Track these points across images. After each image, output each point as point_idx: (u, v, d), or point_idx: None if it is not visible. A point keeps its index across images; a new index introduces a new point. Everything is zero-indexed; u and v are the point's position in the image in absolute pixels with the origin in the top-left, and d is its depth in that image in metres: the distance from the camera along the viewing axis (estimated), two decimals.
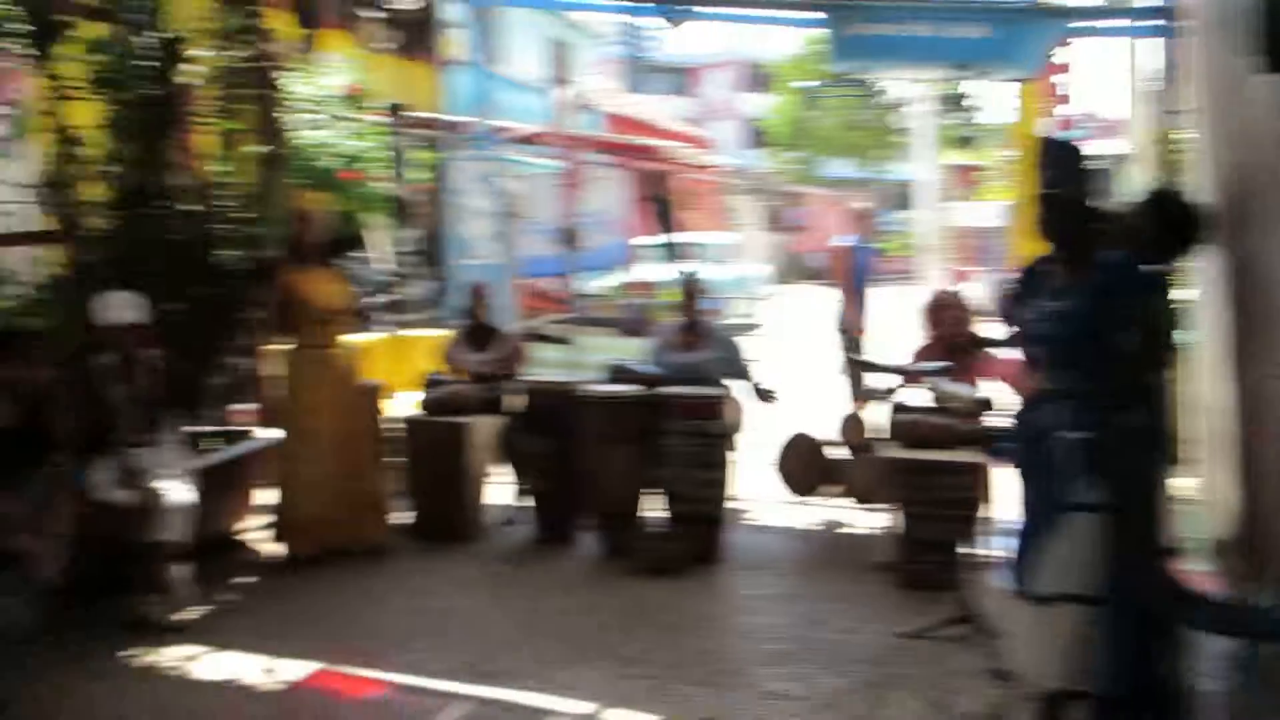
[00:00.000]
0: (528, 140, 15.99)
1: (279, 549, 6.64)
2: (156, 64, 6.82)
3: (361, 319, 6.95)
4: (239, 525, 7.04)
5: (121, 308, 5.80)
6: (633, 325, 13.27)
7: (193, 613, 5.61)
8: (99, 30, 6.87)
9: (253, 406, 7.68)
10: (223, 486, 6.61)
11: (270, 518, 6.70)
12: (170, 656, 5.19)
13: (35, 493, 5.23)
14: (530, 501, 7.15)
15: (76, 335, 6.31)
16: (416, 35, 16.47)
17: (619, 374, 7.16)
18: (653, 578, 6.19)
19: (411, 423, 7.24)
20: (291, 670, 4.99)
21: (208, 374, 7.20)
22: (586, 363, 9.93)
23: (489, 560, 6.68)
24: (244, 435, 7.31)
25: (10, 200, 6.79)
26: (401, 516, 7.16)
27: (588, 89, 23.89)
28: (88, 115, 6.79)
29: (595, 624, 5.52)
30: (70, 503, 5.36)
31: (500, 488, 7.43)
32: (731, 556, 6.59)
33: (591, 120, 22.89)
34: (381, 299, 12.36)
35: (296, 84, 8.43)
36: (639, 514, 6.69)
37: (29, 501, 5.20)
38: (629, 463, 6.60)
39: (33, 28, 6.36)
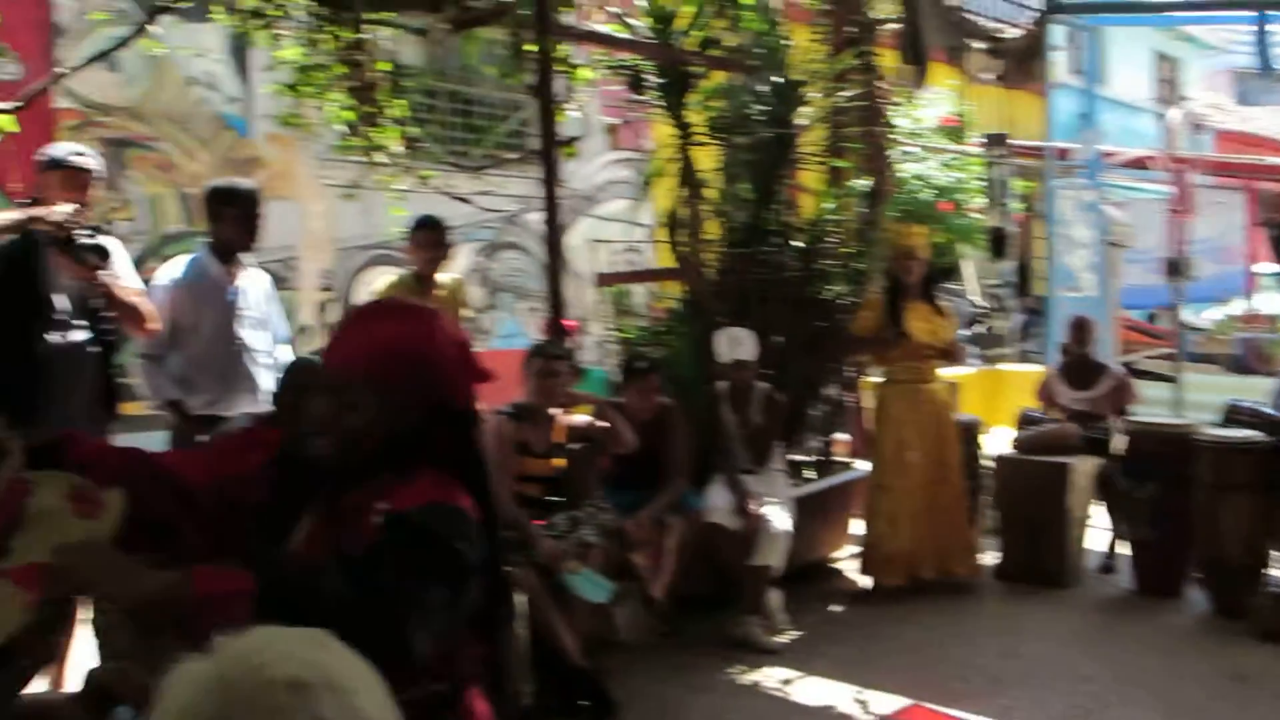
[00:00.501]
0: (1134, 164, 15.21)
1: (867, 580, 6.77)
2: (773, 108, 7.20)
3: (957, 353, 6.92)
4: (832, 553, 7.26)
5: (739, 342, 6.16)
6: (1246, 362, 12.24)
7: (787, 636, 5.85)
8: (720, 79, 7.40)
9: (848, 438, 7.91)
10: (818, 515, 6.86)
11: (860, 548, 6.85)
12: (768, 677, 5.41)
13: (654, 513, 5.68)
14: (1130, 550, 6.80)
15: (693, 365, 6.83)
16: (1020, 62, 16.18)
17: (1236, 415, 6.63)
18: (1272, 643, 5.66)
19: (1005, 461, 7.13)
20: (883, 703, 5.06)
21: (809, 405, 7.49)
22: (1193, 402, 9.30)
23: (1084, 609, 6.43)
24: (841, 466, 7.54)
25: (638, 240, 7.46)
26: (990, 556, 7.07)
27: (1198, 105, 22.33)
28: (707, 159, 7.33)
29: (1202, 692, 5.14)
30: (684, 524, 5.77)
31: (1098, 533, 7.14)
32: None
33: (1202, 139, 21.37)
34: (973, 332, 12.26)
35: (898, 118, 8.60)
36: (1258, 571, 6.14)
37: (648, 521, 5.65)
38: (1247, 514, 6.09)
39: (667, 80, 6.94)
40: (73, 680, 4.51)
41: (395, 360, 2.02)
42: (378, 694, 1.06)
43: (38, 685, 4.02)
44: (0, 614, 1.49)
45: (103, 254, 4.54)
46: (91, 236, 4.52)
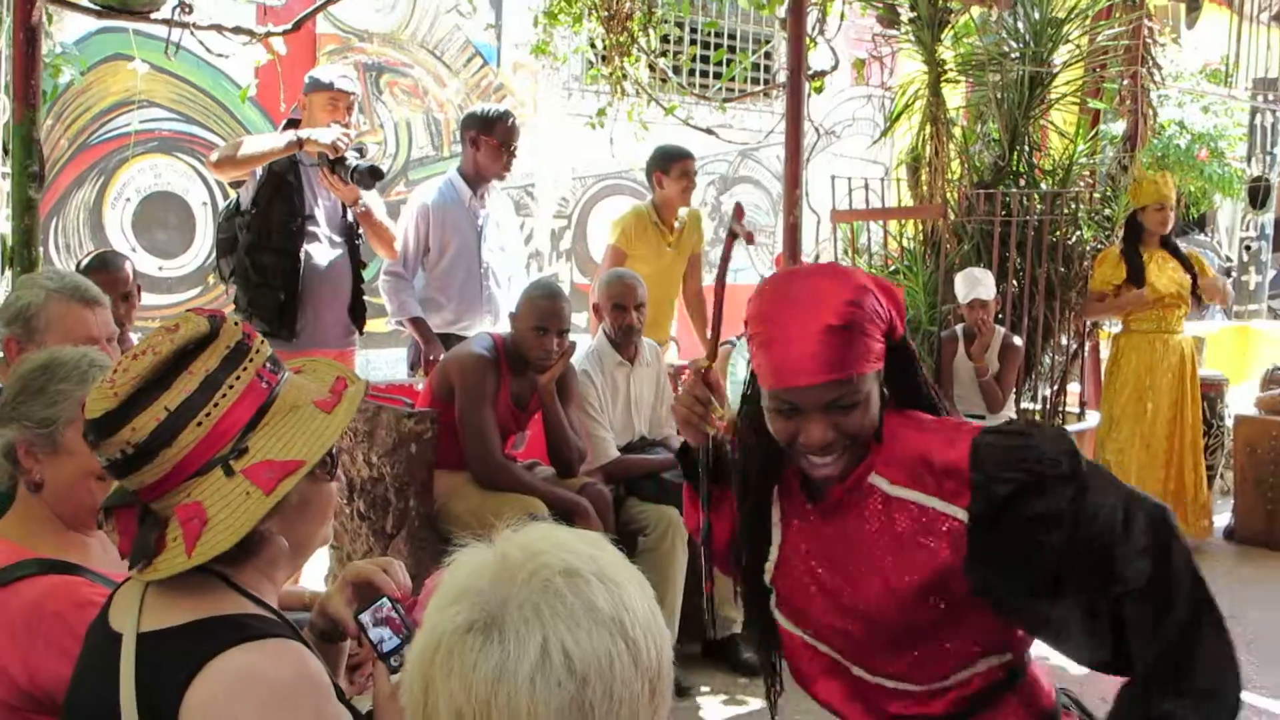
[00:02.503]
0: None
1: None
2: (1029, 45, 6.99)
3: (1217, 293, 6.62)
4: None
5: (978, 282, 6.04)
6: None
7: None
8: (976, 14, 7.21)
9: (1081, 388, 7.69)
10: None
11: None
12: None
13: None
14: None
15: (928, 306, 6.74)
16: None
17: None
18: None
19: (1246, 420, 6.83)
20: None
21: (1044, 352, 7.31)
22: None
23: None
24: (1071, 417, 7.35)
25: (877, 178, 7.36)
26: (1224, 517, 6.80)
27: None
28: (955, 97, 7.17)
29: None
30: None
31: None
32: None
33: None
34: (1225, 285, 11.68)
35: (1162, 59, 8.20)
36: None
37: None
38: None
39: (921, 14, 6.80)
40: (308, 580, 4.85)
41: (862, 328, 1.80)
42: (646, 594, 1.09)
43: None
44: (237, 512, 1.52)
45: (377, 175, 4.78)
46: (362, 157, 4.76)
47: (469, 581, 1.05)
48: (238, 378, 1.57)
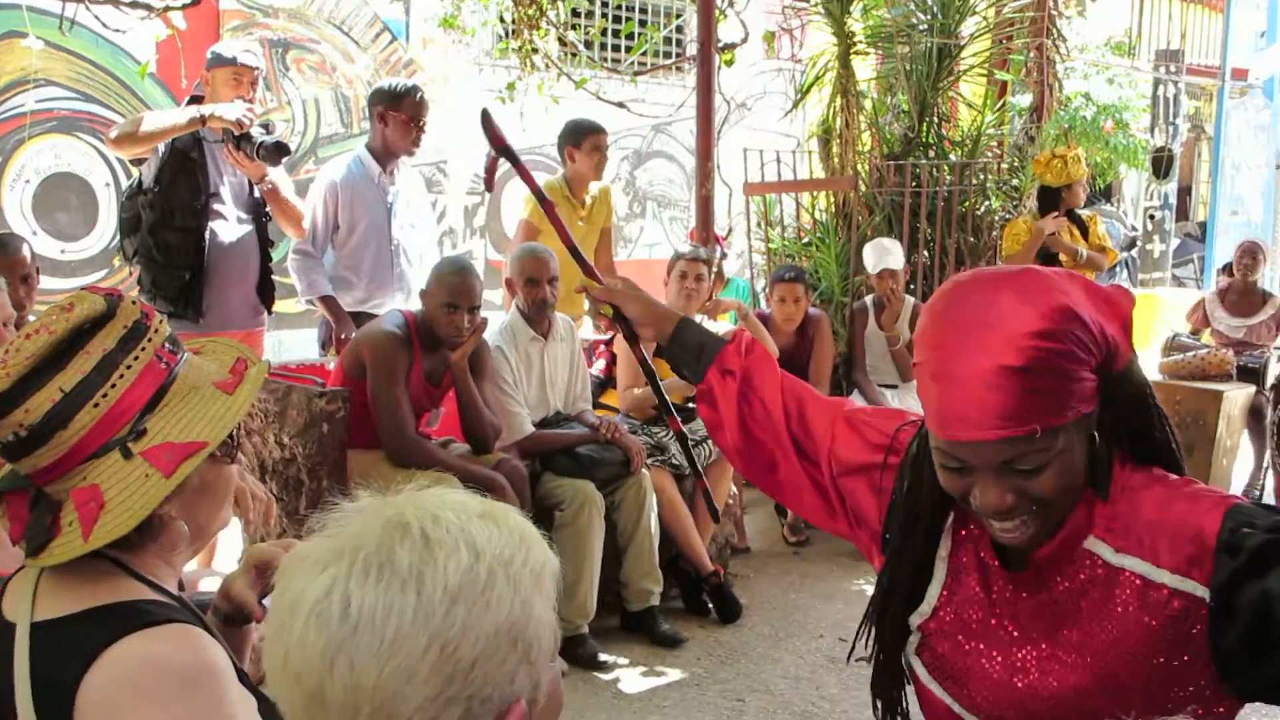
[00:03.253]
0: None
1: None
2: (937, 17, 7.06)
3: (1095, 261, 6.74)
4: None
5: (887, 252, 6.10)
6: None
7: None
8: None
9: None
10: None
11: None
12: None
13: None
14: (1276, 480, 6.63)
15: (839, 277, 6.80)
16: None
17: None
18: None
19: (1152, 385, 6.97)
20: None
21: None
22: None
23: None
24: None
25: (788, 150, 7.40)
26: None
27: None
28: (866, 69, 7.22)
29: None
30: None
31: (1244, 462, 6.98)
32: None
33: None
34: (1128, 255, 11.92)
35: (1067, 31, 8.33)
36: None
37: None
38: None
39: None
40: (220, 560, 4.78)
41: (1058, 368, 1.37)
42: (505, 572, 1.05)
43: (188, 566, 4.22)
44: (135, 495, 1.49)
45: (284, 151, 4.70)
46: (268, 133, 4.68)
47: (344, 523, 1.06)
48: (136, 358, 1.53)
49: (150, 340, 1.56)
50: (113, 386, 1.50)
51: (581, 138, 5.79)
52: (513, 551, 1.06)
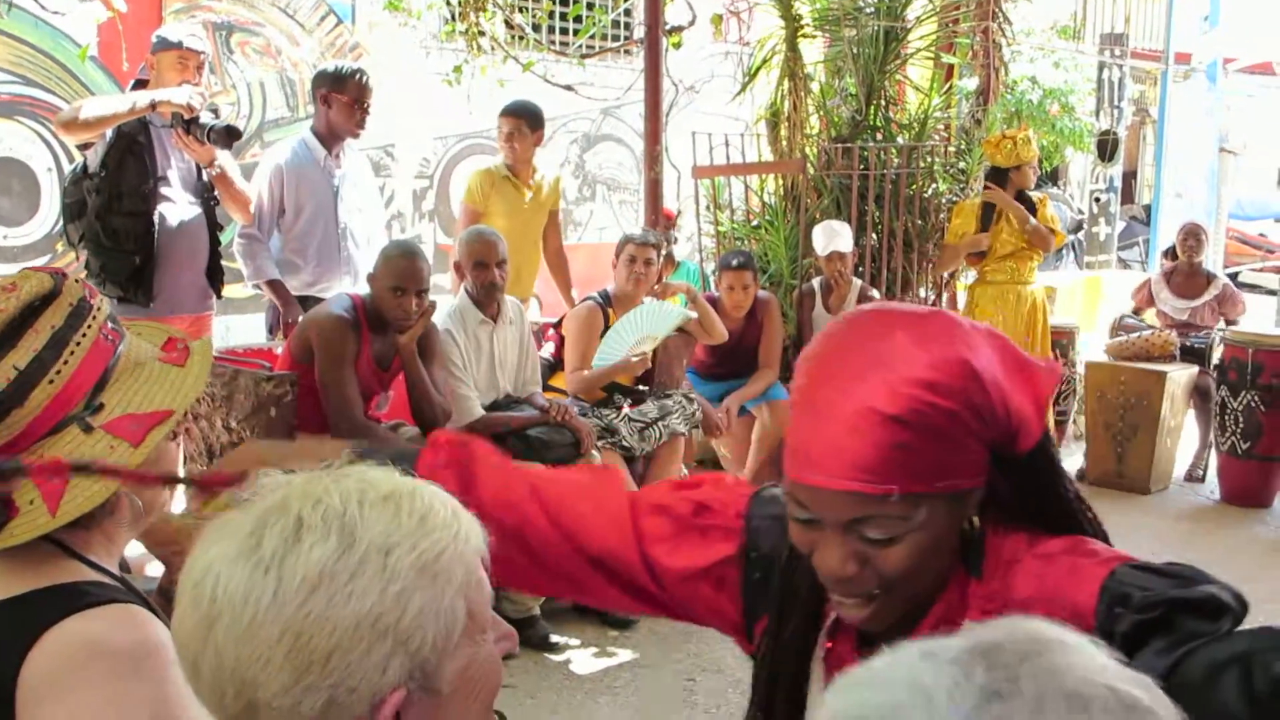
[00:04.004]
0: (1258, 69, 14.71)
1: None
2: (886, 1, 7.10)
3: (1043, 239, 6.81)
4: None
5: (836, 234, 6.12)
6: None
7: None
8: None
9: None
10: None
11: None
12: None
13: (741, 401, 5.78)
14: (1219, 460, 6.74)
15: (788, 260, 6.83)
16: None
17: None
18: None
19: (1097, 366, 7.08)
20: None
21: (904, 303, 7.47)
22: None
23: (1169, 516, 6.42)
24: None
25: (737, 134, 7.41)
26: (1076, 460, 7.06)
27: None
28: (813, 52, 7.25)
29: None
30: (771, 416, 5.86)
31: (1188, 442, 7.09)
32: None
33: None
34: (1074, 238, 12.05)
35: (1013, 15, 8.40)
36: None
37: (734, 410, 5.75)
38: None
39: None
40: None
41: (938, 429, 1.16)
42: (384, 561, 1.01)
43: None
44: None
45: (234, 134, 4.67)
46: (217, 117, 4.64)
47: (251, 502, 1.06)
48: (84, 335, 1.53)
49: (95, 318, 1.56)
50: (65, 363, 1.50)
51: (499, 119, 5.76)
52: (399, 539, 1.02)
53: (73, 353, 1.51)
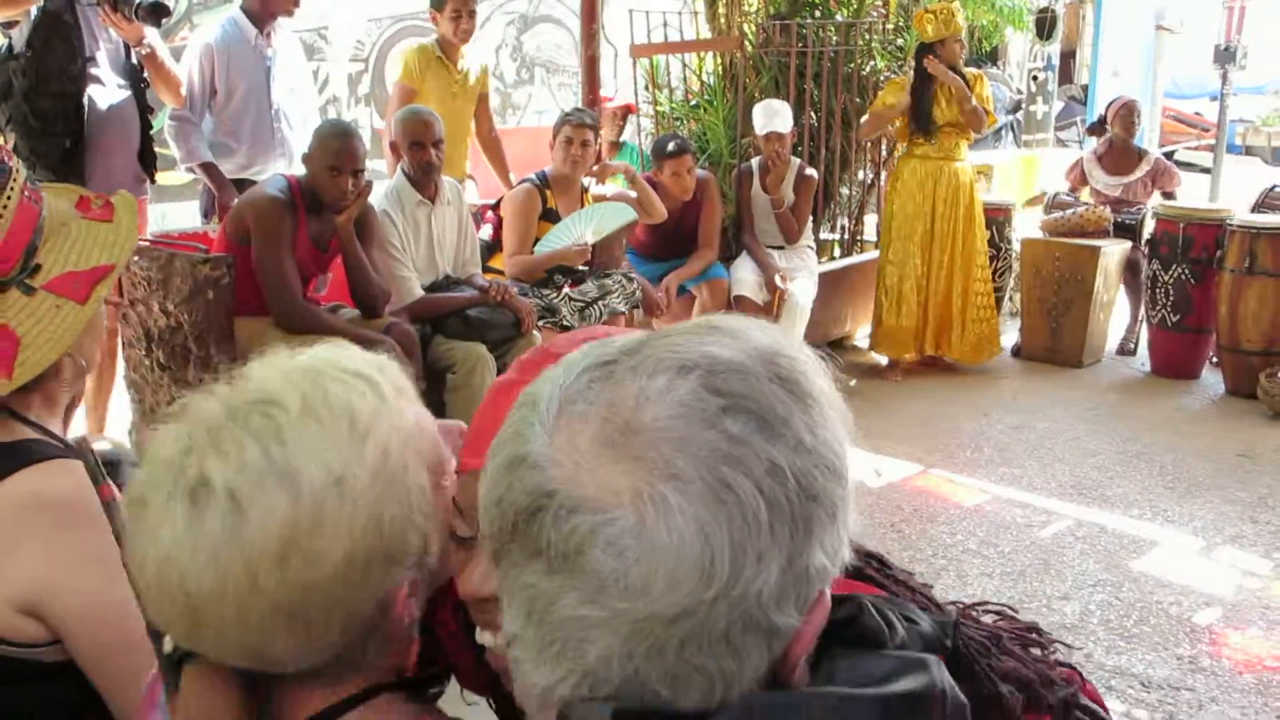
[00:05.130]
0: None
1: (880, 356, 6.90)
2: None
3: (988, 132, 6.84)
4: (854, 331, 7.38)
5: (775, 114, 6.10)
6: None
7: None
8: None
9: (878, 219, 7.93)
10: (842, 293, 6.96)
11: (873, 325, 6.90)
12: None
13: (680, 280, 5.82)
14: (1150, 334, 6.89)
15: (727, 139, 6.82)
16: None
17: (1271, 201, 6.64)
18: None
19: (1032, 243, 7.16)
20: (895, 469, 5.25)
21: (841, 183, 7.50)
22: (1229, 195, 9.23)
23: (1100, 389, 6.57)
24: (869, 245, 7.59)
25: (675, 12, 7.33)
26: (1011, 336, 7.19)
27: None
28: None
29: (1208, 467, 5.31)
30: (710, 295, 5.91)
31: (1120, 316, 7.24)
32: None
33: None
34: (1012, 117, 12.08)
35: None
36: (1274, 355, 6.23)
37: (674, 288, 5.80)
38: (1270, 299, 6.16)
39: None
40: (111, 428, 4.76)
41: None
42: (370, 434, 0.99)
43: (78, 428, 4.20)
44: (52, 326, 1.51)
45: (162, 11, 4.56)
46: None
47: (157, 453, 1.00)
48: (9, 197, 1.53)
49: (15, 179, 1.56)
50: None
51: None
52: (340, 462, 0.96)
53: (1, 216, 1.51)
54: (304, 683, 1.02)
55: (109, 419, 4.80)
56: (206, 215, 5.22)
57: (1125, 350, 7.21)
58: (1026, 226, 7.67)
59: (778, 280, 5.99)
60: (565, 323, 5.04)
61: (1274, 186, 7.19)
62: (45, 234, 1.57)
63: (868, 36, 7.29)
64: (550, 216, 5.31)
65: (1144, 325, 7.03)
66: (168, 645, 1.05)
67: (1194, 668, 3.59)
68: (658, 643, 0.69)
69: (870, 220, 7.96)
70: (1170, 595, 4.07)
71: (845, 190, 7.63)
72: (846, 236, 7.68)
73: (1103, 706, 1.10)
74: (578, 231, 5.19)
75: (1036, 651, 1.09)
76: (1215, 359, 6.68)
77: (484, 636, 1.02)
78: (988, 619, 1.10)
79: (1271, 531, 4.61)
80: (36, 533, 1.44)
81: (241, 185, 4.95)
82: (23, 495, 1.46)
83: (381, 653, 1.05)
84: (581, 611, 0.70)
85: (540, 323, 4.93)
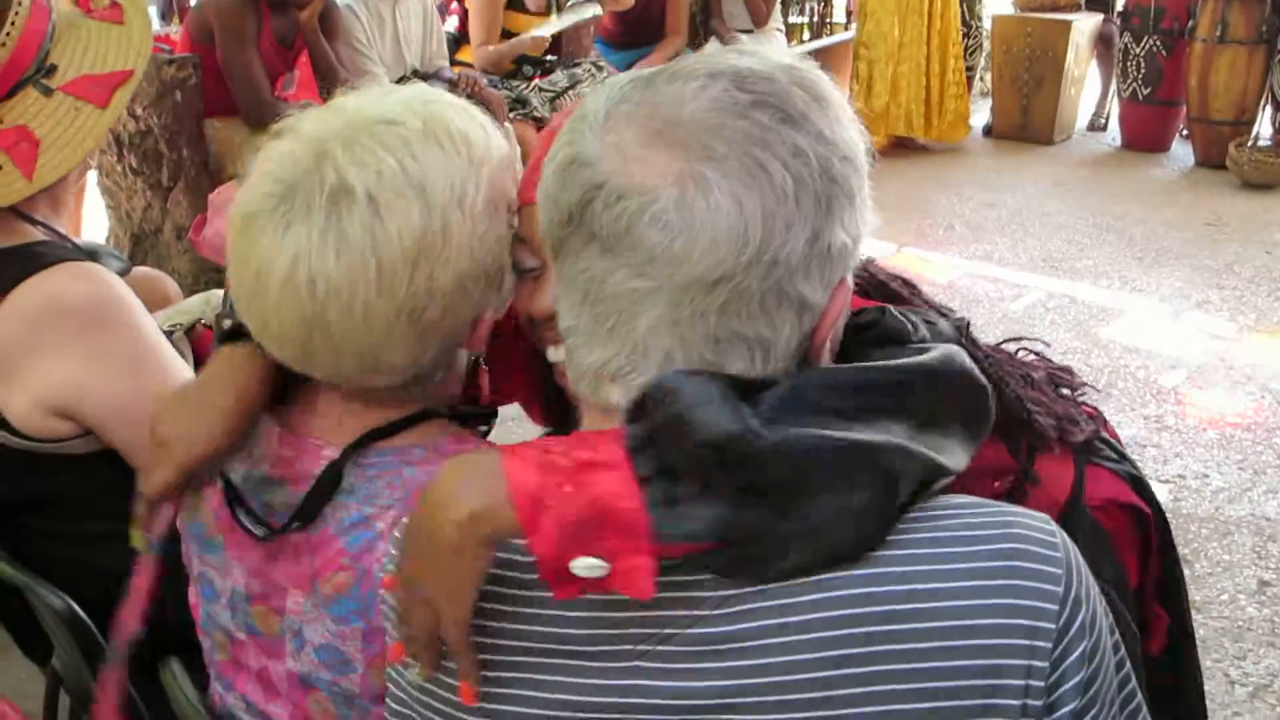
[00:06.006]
0: None
1: None
2: None
3: None
4: None
5: None
6: None
7: None
8: None
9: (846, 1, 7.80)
10: None
11: None
12: None
13: (650, 67, 5.76)
14: (1121, 107, 6.88)
15: None
16: None
17: None
18: (1251, 192, 5.89)
19: (1003, 19, 7.08)
20: (868, 250, 5.26)
21: None
22: None
23: (1071, 164, 6.60)
24: (838, 28, 7.49)
25: None
26: (983, 116, 7.18)
27: None
28: None
29: (1177, 236, 5.39)
30: None
31: (1091, 92, 7.21)
32: None
33: None
34: None
35: None
36: (1244, 125, 6.26)
37: None
38: (1241, 69, 6.15)
39: None
40: (86, 232, 4.75)
41: None
42: (436, 204, 1.03)
43: None
44: (73, 129, 1.50)
45: None
46: None
47: (276, 168, 1.04)
48: None
49: None
50: (12, 24, 1.47)
51: None
52: (464, 179, 1.04)
53: (17, 13, 1.47)
54: (364, 398, 1.12)
55: (83, 227, 4.78)
56: (165, 17, 5.12)
57: (1096, 126, 7.20)
58: (998, 3, 7.57)
59: None
60: (536, 114, 5.00)
61: None
62: (59, 33, 1.54)
63: None
64: (516, 4, 5.20)
65: (1115, 99, 7.00)
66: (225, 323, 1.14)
67: (1160, 426, 3.73)
68: (699, 307, 0.77)
69: (839, 2, 7.84)
70: (1138, 360, 4.19)
71: None
72: (816, 19, 7.57)
73: (1120, 444, 1.22)
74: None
75: (1066, 392, 1.24)
76: (1185, 131, 6.69)
77: (553, 352, 1.12)
78: (1030, 357, 1.27)
79: (1237, 296, 4.73)
80: (59, 339, 1.45)
81: None
82: (41, 301, 1.46)
83: (445, 378, 1.16)
84: (631, 284, 0.78)
85: (511, 114, 4.89)
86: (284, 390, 1.17)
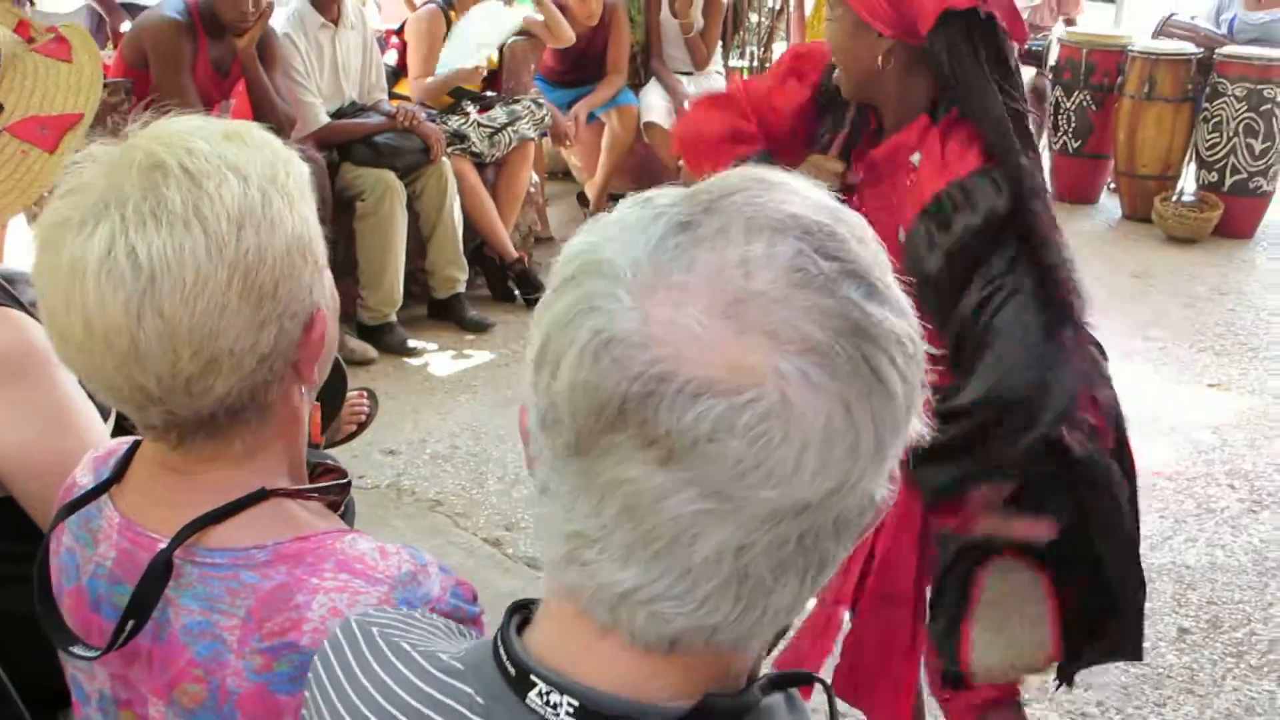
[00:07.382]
0: None
1: None
2: None
3: None
4: None
5: None
6: None
7: None
8: None
9: (787, 46, 7.88)
10: None
11: None
12: None
13: (590, 108, 5.79)
14: (1051, 159, 7.00)
15: None
16: None
17: (1171, 29, 6.71)
18: (1176, 246, 6.01)
19: None
20: None
21: (750, 9, 7.43)
22: (1134, 23, 9.25)
23: None
24: None
25: None
26: None
27: None
28: None
29: (1102, 288, 5.45)
30: (620, 122, 5.88)
31: None
32: (1269, 234, 6.26)
33: None
34: None
35: None
36: (1170, 180, 6.40)
37: (583, 116, 5.76)
38: (1167, 125, 6.29)
39: None
40: (9, 255, 4.65)
41: None
42: (265, 177, 1.03)
43: None
44: (19, 172, 1.44)
45: None
46: None
47: (88, 178, 1.01)
48: None
49: None
50: None
51: None
52: (273, 167, 1.04)
53: None
54: (197, 472, 1.07)
55: (5, 244, 4.69)
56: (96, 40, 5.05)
57: None
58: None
59: (686, 106, 5.97)
60: (475, 149, 5.00)
61: (1172, 14, 7.24)
62: (2, 68, 1.48)
63: None
64: None
65: (1047, 152, 7.13)
66: None
67: None
68: (780, 536, 0.63)
69: (779, 48, 7.91)
70: None
71: (755, 17, 7.56)
72: (756, 63, 7.64)
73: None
74: (469, 42, 5.05)
75: None
76: (1113, 184, 6.83)
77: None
78: None
79: (1160, 348, 4.81)
80: None
81: (133, 10, 4.80)
82: None
83: (282, 409, 1.09)
84: (699, 506, 0.62)
85: (450, 149, 4.89)
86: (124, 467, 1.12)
